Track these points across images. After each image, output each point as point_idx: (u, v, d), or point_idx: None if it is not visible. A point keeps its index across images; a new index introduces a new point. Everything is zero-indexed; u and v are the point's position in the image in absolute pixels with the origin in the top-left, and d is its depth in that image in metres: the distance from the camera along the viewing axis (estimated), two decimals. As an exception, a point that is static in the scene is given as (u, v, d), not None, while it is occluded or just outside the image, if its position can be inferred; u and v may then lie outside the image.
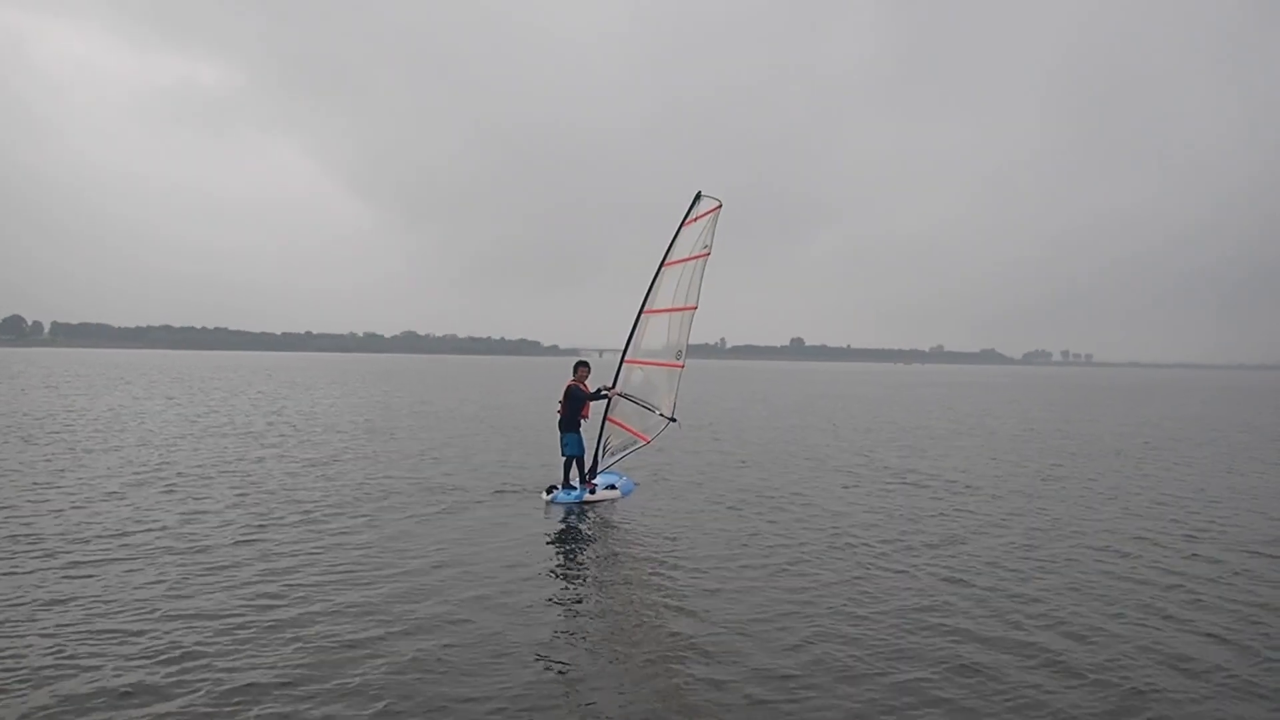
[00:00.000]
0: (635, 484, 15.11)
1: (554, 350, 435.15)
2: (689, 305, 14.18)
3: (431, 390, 52.60)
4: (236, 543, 10.37)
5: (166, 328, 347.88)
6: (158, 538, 10.56)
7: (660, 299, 14.42)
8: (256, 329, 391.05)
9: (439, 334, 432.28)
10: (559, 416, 14.14)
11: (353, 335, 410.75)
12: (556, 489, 13.94)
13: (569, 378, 14.46)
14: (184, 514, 12.04)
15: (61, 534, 10.61)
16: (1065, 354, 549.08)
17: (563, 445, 14.05)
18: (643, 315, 14.51)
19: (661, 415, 14.26)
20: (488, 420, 30.17)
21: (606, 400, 14.47)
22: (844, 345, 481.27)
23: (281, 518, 11.89)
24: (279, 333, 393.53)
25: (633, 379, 14.64)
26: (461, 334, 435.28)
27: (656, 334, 14.52)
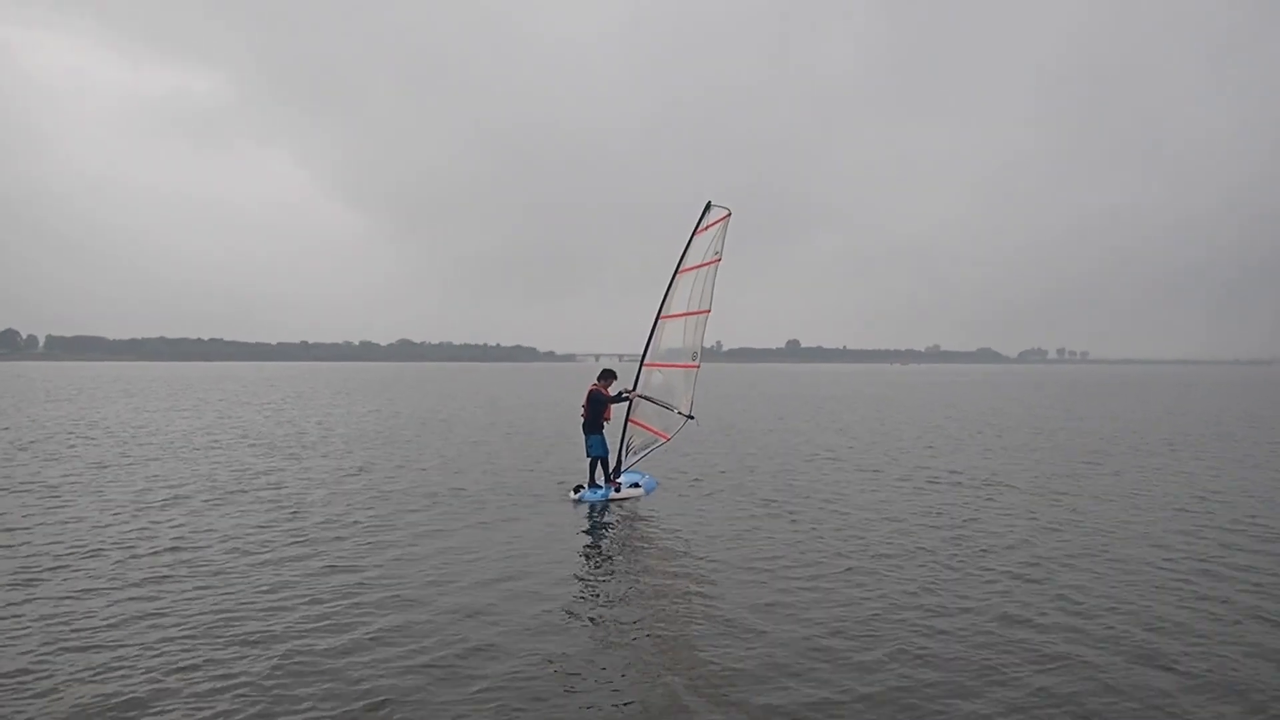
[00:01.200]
0: (657, 482, 15.68)
1: (550, 356, 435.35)
2: (703, 309, 14.80)
3: (437, 398, 53.06)
4: (289, 558, 10.39)
5: (162, 339, 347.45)
6: (209, 552, 10.64)
7: (675, 304, 15.01)
8: (252, 339, 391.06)
9: (435, 341, 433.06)
10: (582, 419, 14.72)
11: (348, 344, 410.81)
12: (583, 488, 14.52)
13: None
14: (228, 527, 12.14)
15: (117, 550, 10.70)
16: (1061, 351, 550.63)
17: (587, 446, 14.64)
18: (659, 321, 15.09)
19: (680, 414, 14.85)
20: (500, 426, 30.71)
21: (628, 403, 15.03)
22: (840, 346, 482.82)
23: (319, 532, 11.98)
24: (274, 343, 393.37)
25: (652, 381, 15.23)
26: (457, 341, 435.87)
27: (673, 337, 15.12)
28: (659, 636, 7.88)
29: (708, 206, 14.74)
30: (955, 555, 10.66)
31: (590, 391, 14.73)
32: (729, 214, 14.57)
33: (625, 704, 6.40)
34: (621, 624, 8.23)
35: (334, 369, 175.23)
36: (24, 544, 10.97)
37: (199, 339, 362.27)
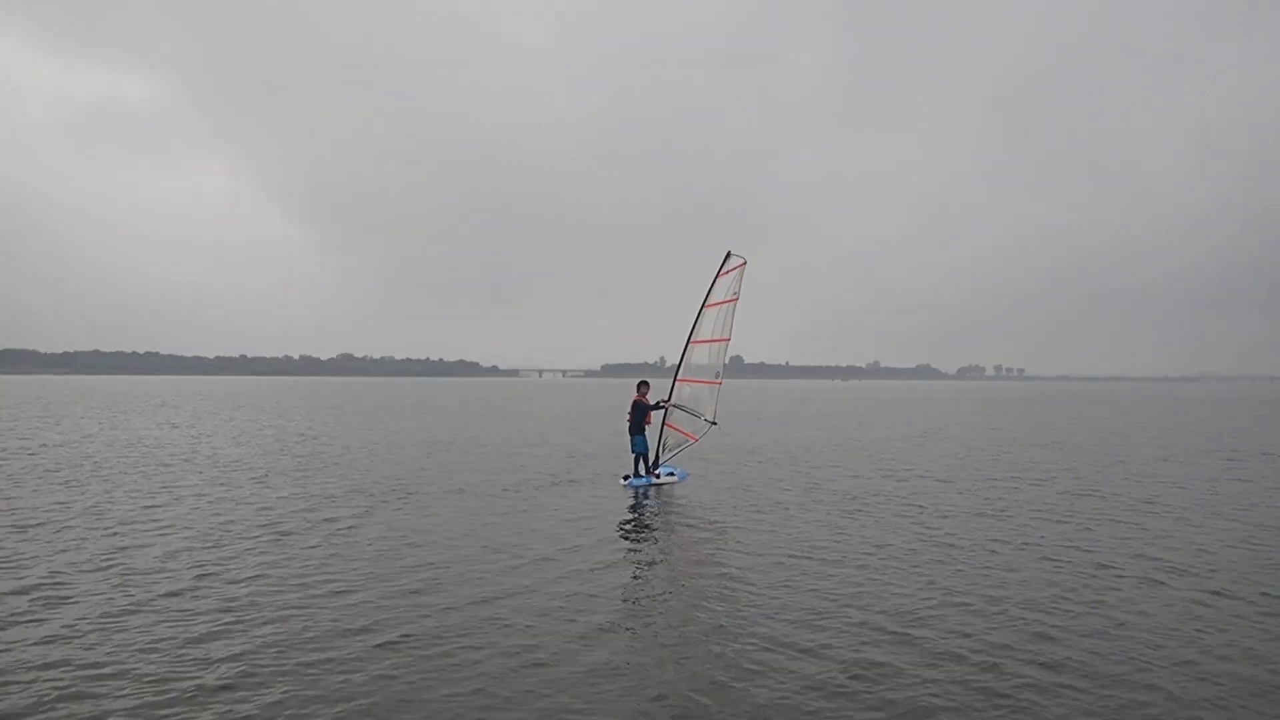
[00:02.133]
0: (688, 473, 19.46)
1: (494, 371, 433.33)
2: (724, 338, 18.65)
3: (430, 413, 52.42)
4: (309, 576, 10.09)
5: (96, 352, 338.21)
6: (216, 566, 10.44)
7: (702, 332, 18.79)
8: (189, 353, 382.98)
9: (376, 355, 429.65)
10: (628, 423, 18.41)
11: (288, 358, 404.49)
12: (630, 476, 18.23)
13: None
14: (244, 544, 11.71)
15: (116, 568, 10.32)
16: (998, 369, 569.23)
17: (632, 444, 18.32)
18: (689, 345, 18.84)
19: (706, 420, 18.65)
20: (532, 434, 33.37)
21: (664, 410, 18.76)
22: (782, 362, 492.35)
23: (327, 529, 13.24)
24: (212, 356, 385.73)
25: (683, 393, 18.97)
26: (399, 355, 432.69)
27: (700, 358, 18.91)
28: (694, 611, 8.78)
29: (728, 256, 18.55)
30: (985, 554, 11.27)
31: (634, 401, 18.41)
32: (744, 262, 18.43)
33: (658, 691, 6.69)
34: (659, 596, 9.53)
35: (277, 384, 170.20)
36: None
37: (134, 352, 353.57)
